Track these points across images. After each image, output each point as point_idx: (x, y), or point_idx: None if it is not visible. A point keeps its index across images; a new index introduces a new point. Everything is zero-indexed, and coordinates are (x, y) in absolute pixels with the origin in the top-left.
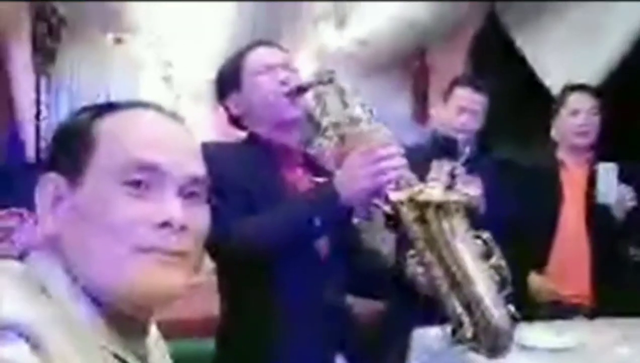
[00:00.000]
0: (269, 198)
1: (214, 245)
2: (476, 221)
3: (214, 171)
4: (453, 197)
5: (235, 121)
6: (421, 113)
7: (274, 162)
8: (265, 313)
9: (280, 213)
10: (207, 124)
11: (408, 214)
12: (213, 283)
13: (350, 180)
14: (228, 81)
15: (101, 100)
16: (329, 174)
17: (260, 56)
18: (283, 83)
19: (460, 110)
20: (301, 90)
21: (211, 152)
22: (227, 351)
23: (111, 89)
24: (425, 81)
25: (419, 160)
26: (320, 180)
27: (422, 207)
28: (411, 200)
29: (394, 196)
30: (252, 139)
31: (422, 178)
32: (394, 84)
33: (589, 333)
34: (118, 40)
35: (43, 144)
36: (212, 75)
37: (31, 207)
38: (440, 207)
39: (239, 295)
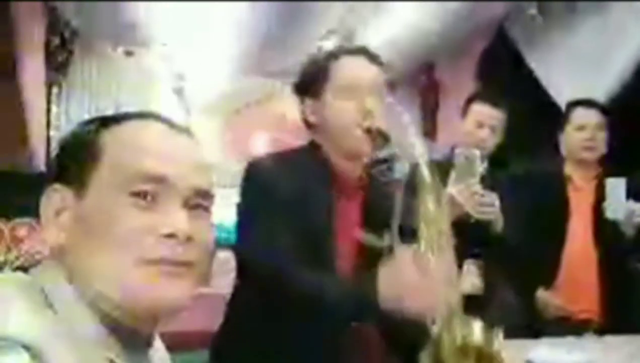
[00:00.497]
0: (315, 218)
1: (251, 267)
2: (491, 237)
3: (267, 186)
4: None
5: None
6: (431, 129)
7: (329, 183)
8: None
9: (316, 287)
10: (219, 137)
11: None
12: (217, 296)
13: (394, 292)
14: (307, 85)
15: (111, 112)
16: (382, 209)
17: (347, 72)
18: (367, 114)
19: (479, 126)
20: (384, 138)
21: (268, 166)
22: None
23: (122, 101)
24: (434, 97)
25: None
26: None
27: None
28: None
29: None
30: (314, 148)
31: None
32: (402, 99)
33: (599, 351)
34: (129, 53)
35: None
36: (224, 88)
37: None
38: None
39: (249, 315)
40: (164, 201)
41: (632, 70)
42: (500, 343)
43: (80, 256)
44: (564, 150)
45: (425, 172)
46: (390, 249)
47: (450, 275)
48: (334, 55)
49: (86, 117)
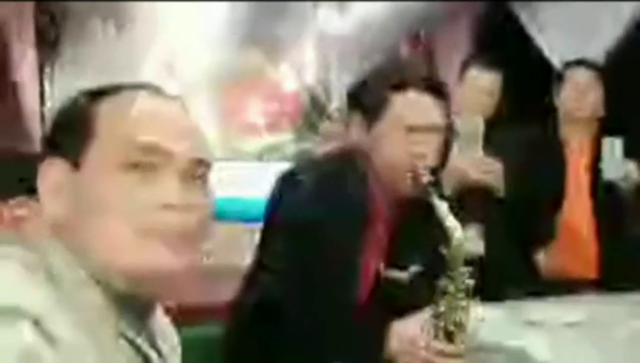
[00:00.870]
0: (345, 242)
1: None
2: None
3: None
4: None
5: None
6: None
7: (365, 204)
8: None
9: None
10: (212, 109)
11: None
12: (210, 268)
13: (402, 357)
14: (364, 103)
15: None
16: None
17: (409, 108)
18: (419, 157)
19: (477, 91)
20: (426, 190)
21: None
22: None
23: (113, 77)
24: (429, 65)
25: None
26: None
27: None
28: None
29: None
30: (353, 160)
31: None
32: None
33: (599, 307)
34: (120, 27)
35: None
36: (216, 60)
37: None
38: None
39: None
40: (161, 171)
41: (626, 29)
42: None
43: (80, 228)
44: (560, 110)
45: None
46: (412, 283)
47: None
48: (401, 86)
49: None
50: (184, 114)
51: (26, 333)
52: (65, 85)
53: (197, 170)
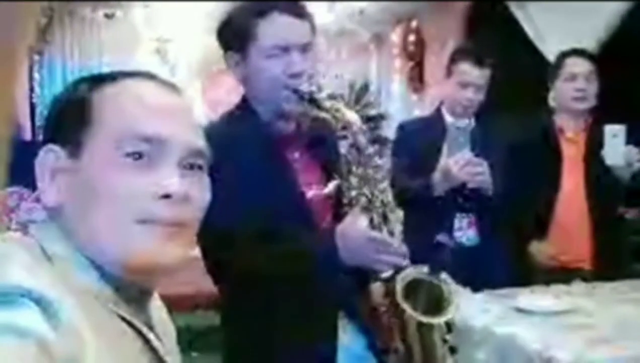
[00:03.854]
0: (269, 177)
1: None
2: (481, 198)
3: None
4: (434, 320)
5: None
6: (418, 86)
7: (270, 141)
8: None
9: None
10: (201, 98)
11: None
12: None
13: (352, 255)
14: (232, 40)
15: None
16: (325, 157)
17: (276, 31)
18: (294, 76)
19: (465, 85)
20: (312, 101)
21: (213, 133)
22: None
23: (104, 65)
24: (420, 54)
25: (428, 141)
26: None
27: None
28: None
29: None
30: (247, 107)
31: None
32: (389, 57)
33: (586, 296)
34: (110, 16)
35: (39, 122)
36: (207, 47)
37: (29, 185)
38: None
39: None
40: (158, 161)
41: (619, 19)
42: (449, 286)
43: (78, 215)
44: (554, 101)
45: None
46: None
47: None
48: (261, 12)
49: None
50: (183, 103)
51: (36, 321)
52: (54, 74)
53: (195, 161)
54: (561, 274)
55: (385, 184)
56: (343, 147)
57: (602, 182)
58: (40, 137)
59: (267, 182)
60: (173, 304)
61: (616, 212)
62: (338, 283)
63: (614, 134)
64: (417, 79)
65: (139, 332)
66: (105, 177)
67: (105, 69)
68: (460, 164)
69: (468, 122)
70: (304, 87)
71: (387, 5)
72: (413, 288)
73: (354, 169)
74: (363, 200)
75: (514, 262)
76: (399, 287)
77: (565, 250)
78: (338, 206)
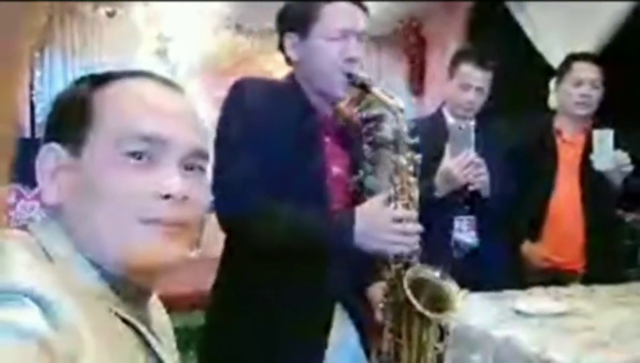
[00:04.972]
0: (297, 150)
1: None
2: (480, 199)
3: (254, 110)
4: (439, 317)
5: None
6: (418, 87)
7: (308, 116)
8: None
9: (299, 222)
10: (202, 98)
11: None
12: (203, 257)
13: (369, 236)
14: (295, 21)
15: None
16: (354, 149)
17: (338, 15)
18: (350, 60)
19: (467, 87)
20: (363, 86)
21: (254, 90)
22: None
23: (104, 64)
24: (421, 55)
25: (430, 142)
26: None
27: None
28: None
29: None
30: (294, 84)
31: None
32: (389, 58)
33: (583, 298)
34: (111, 14)
35: (38, 120)
36: (208, 48)
37: (28, 183)
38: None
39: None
40: (160, 161)
41: (619, 23)
42: (450, 286)
43: (79, 214)
44: (555, 102)
45: (403, 126)
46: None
47: (413, 220)
48: None
49: (69, 80)
50: (185, 103)
51: (36, 319)
52: (53, 71)
53: (196, 161)
54: (554, 276)
55: (414, 179)
56: (385, 131)
57: (597, 185)
58: (39, 135)
59: (293, 154)
60: (171, 304)
61: (611, 215)
62: (340, 276)
63: (603, 138)
64: (417, 81)
65: (139, 332)
66: (106, 177)
67: (106, 67)
68: (462, 165)
69: (470, 123)
70: (357, 71)
71: (388, 7)
72: (417, 286)
73: (388, 154)
74: (391, 189)
75: (510, 263)
76: (406, 279)
77: (560, 251)
78: (357, 198)
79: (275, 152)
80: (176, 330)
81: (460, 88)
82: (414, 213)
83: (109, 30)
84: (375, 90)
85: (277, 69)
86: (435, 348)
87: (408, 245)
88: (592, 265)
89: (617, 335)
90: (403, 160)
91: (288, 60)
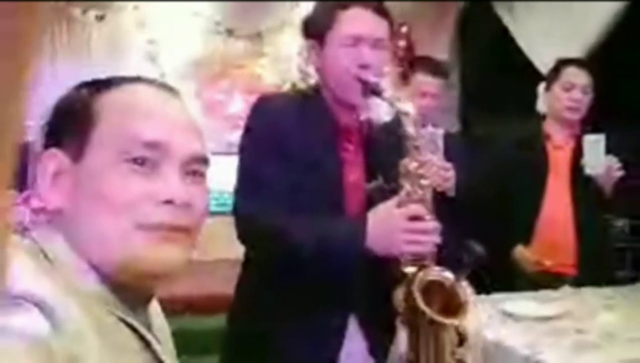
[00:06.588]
0: (324, 168)
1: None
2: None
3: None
4: (449, 321)
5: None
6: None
7: (334, 131)
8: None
9: (313, 230)
10: (192, 104)
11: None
12: (203, 262)
13: (384, 237)
14: (313, 29)
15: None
16: (381, 156)
17: (351, 21)
18: (362, 66)
19: (422, 95)
20: (375, 92)
21: (273, 106)
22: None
23: (93, 68)
24: (410, 57)
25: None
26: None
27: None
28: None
29: (408, 270)
30: (317, 93)
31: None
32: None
33: (573, 302)
34: (100, 17)
35: (30, 123)
36: (198, 52)
37: (21, 188)
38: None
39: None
40: (161, 167)
41: (609, 27)
42: (465, 290)
43: (80, 220)
44: (544, 107)
45: (411, 130)
46: (381, 192)
47: (429, 223)
48: (344, 5)
49: (57, 83)
50: (184, 109)
51: (39, 324)
52: (43, 75)
53: (197, 167)
54: (545, 279)
55: (428, 182)
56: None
57: (587, 189)
58: (30, 138)
59: (311, 164)
60: (168, 306)
61: (601, 219)
62: (353, 284)
63: (593, 143)
64: (405, 84)
65: (140, 335)
66: (107, 182)
67: (96, 70)
68: (432, 171)
69: (441, 132)
70: (369, 77)
71: None
72: (430, 290)
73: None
74: (402, 193)
75: (499, 266)
76: (417, 282)
77: (551, 255)
78: (376, 205)
79: (294, 165)
80: (173, 333)
81: (416, 95)
82: (427, 212)
83: (98, 34)
84: (386, 95)
85: (266, 73)
86: (453, 353)
87: (424, 244)
88: (583, 268)
89: (607, 338)
90: (413, 164)
91: (315, 68)
